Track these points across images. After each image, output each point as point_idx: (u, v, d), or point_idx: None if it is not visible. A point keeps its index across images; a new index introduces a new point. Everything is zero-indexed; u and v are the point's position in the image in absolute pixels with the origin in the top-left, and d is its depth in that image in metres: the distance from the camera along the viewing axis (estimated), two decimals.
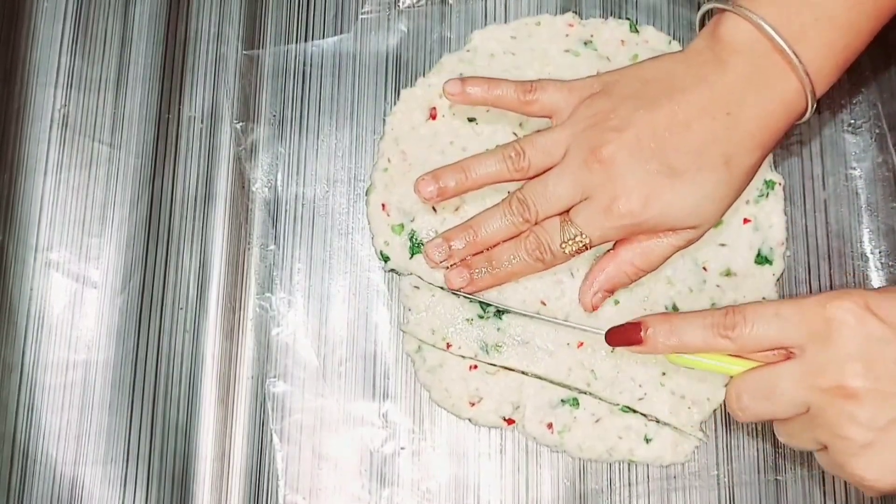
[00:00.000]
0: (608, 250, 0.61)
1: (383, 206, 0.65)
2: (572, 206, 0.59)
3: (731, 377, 0.55)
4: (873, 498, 0.61)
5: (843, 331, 0.50)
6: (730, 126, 0.56)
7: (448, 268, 0.62)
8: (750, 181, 0.59)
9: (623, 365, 0.62)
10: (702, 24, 0.60)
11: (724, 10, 0.58)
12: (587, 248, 0.59)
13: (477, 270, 0.61)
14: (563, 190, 0.59)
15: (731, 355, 0.54)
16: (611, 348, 0.62)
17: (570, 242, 0.59)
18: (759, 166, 0.59)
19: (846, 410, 0.49)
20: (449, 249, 0.61)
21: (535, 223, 0.60)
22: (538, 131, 0.61)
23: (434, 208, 0.64)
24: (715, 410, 0.63)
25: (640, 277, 0.61)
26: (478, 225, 0.61)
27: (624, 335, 0.56)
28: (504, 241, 0.61)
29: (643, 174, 0.57)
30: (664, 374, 0.62)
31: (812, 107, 0.57)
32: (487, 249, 0.62)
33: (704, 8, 0.60)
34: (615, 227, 0.58)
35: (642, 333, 0.55)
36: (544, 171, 0.60)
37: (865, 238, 0.66)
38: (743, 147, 0.57)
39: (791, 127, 0.58)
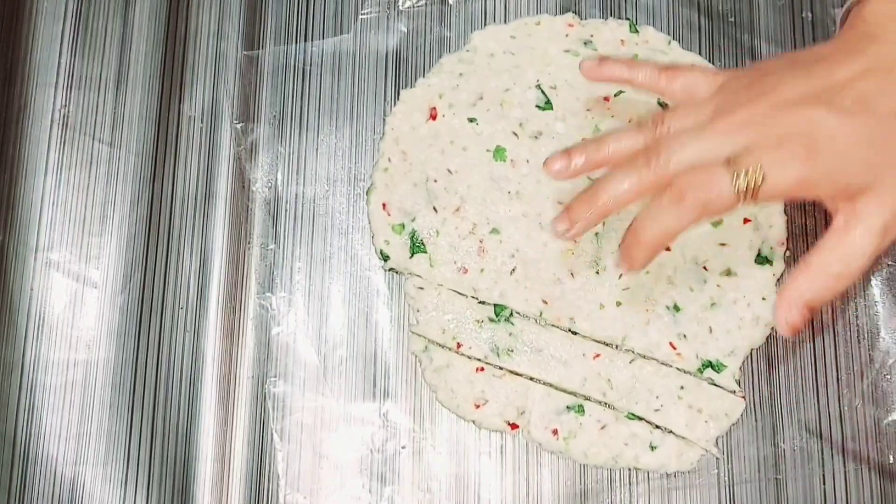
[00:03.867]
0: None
1: (384, 205, 0.65)
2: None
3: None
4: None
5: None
6: (893, 82, 0.52)
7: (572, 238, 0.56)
8: None
9: (641, 376, 0.63)
10: (842, 24, 0.58)
11: (861, 1, 0.55)
12: (756, 192, 0.50)
13: (628, 246, 0.54)
14: (713, 137, 0.52)
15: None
16: (629, 359, 0.63)
17: (742, 177, 0.50)
18: None
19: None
20: (571, 218, 0.54)
21: (664, 177, 0.52)
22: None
23: (435, 208, 0.64)
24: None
25: (844, 288, 0.53)
26: (599, 186, 0.54)
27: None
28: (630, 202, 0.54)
29: (814, 117, 0.51)
30: (683, 387, 0.62)
31: None
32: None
33: (847, 4, 0.57)
34: (788, 169, 0.50)
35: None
36: None
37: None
38: None
39: None
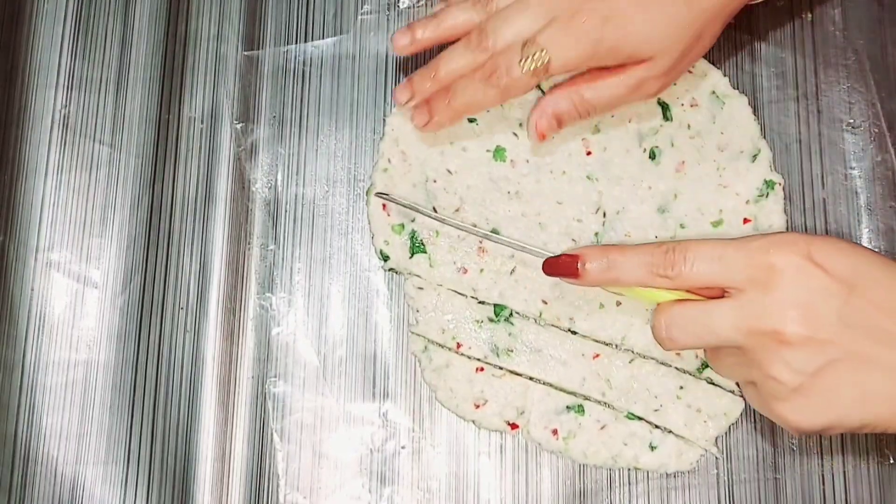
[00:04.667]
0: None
1: (384, 205, 0.65)
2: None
3: (659, 303, 0.55)
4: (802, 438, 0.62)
5: (784, 278, 0.51)
6: None
7: (413, 109, 0.63)
8: (710, 34, 0.59)
9: (640, 376, 0.63)
10: None
11: None
12: (546, 71, 0.58)
13: (435, 104, 0.61)
14: (527, 14, 0.59)
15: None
16: (628, 359, 0.63)
17: (528, 60, 0.58)
18: (720, 23, 0.59)
19: (780, 355, 0.50)
20: (412, 88, 0.62)
21: (495, 53, 0.59)
22: None
23: (434, 208, 0.64)
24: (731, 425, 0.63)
25: (589, 115, 0.61)
26: (438, 62, 0.61)
27: (560, 267, 0.57)
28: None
29: None
30: (682, 387, 0.62)
31: None
32: None
33: None
34: (575, 46, 0.58)
35: (578, 266, 0.56)
36: None
37: (865, 238, 0.66)
38: None
39: None
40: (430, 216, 0.63)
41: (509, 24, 0.59)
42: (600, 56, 0.58)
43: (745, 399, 0.57)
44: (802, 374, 0.50)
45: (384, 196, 0.64)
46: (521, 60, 0.58)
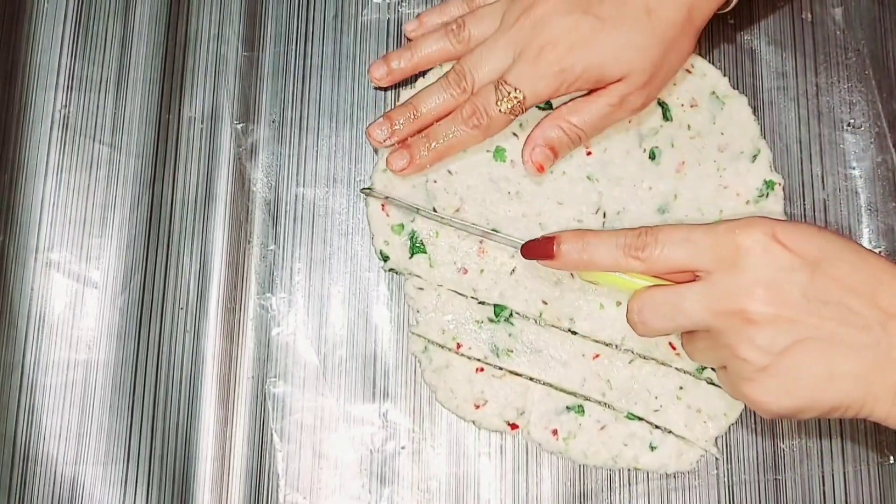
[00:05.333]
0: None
1: (383, 206, 0.65)
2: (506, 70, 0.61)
3: (635, 290, 0.56)
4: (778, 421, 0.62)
5: (750, 258, 0.51)
6: None
7: (391, 148, 0.64)
8: (683, 44, 0.60)
9: (640, 376, 0.62)
10: None
11: None
12: (522, 107, 0.60)
13: (416, 149, 0.63)
14: (498, 52, 0.61)
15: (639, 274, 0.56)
16: (628, 359, 0.63)
17: (504, 100, 0.60)
18: (692, 31, 0.60)
19: (746, 334, 0.51)
20: (391, 128, 0.63)
21: (473, 93, 0.62)
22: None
23: (434, 208, 0.64)
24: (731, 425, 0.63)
25: (580, 139, 0.62)
26: (418, 101, 0.63)
27: (538, 249, 0.58)
28: (445, 117, 0.63)
29: (569, 23, 0.59)
30: (681, 388, 0.62)
31: None
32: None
33: None
34: (544, 78, 0.59)
35: (555, 248, 0.57)
36: None
37: (865, 238, 0.66)
38: (666, 0, 0.59)
39: (718, 3, 0.60)
40: (409, 207, 0.64)
41: (483, 64, 0.61)
42: (572, 83, 0.60)
43: (721, 386, 0.57)
44: (769, 353, 0.50)
45: (369, 192, 0.64)
46: (497, 101, 0.60)
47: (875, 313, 0.51)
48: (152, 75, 0.68)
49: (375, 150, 0.66)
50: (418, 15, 0.67)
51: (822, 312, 0.50)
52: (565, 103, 0.62)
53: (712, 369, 0.61)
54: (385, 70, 0.65)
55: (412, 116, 0.63)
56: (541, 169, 0.62)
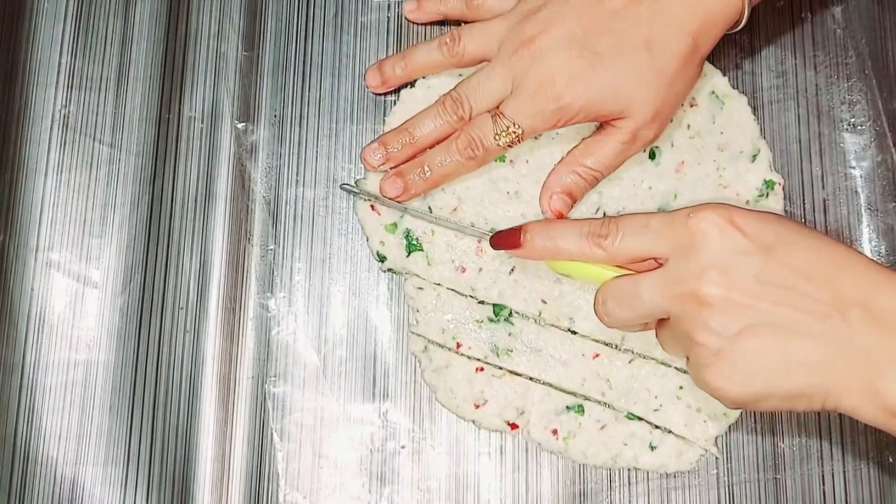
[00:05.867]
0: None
1: (372, 207, 0.65)
2: (503, 100, 0.60)
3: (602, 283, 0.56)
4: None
5: (705, 241, 0.51)
6: (654, 10, 0.58)
7: (384, 174, 0.64)
8: (688, 73, 0.60)
9: (640, 376, 0.63)
10: None
11: None
12: (519, 140, 0.60)
13: (410, 177, 0.63)
14: (495, 82, 0.61)
15: (605, 265, 0.56)
16: (628, 359, 0.63)
17: (503, 134, 0.60)
18: (696, 59, 0.59)
19: (700, 317, 0.50)
20: (386, 152, 0.63)
21: (470, 120, 0.61)
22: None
23: (430, 207, 0.64)
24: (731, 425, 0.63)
25: (595, 180, 0.62)
26: (413, 126, 0.63)
27: (505, 239, 0.59)
28: (441, 142, 0.63)
29: (567, 59, 0.58)
30: (681, 387, 0.62)
31: (747, 10, 0.59)
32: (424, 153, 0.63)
33: None
34: (542, 113, 0.59)
35: (521, 237, 0.58)
36: (479, 63, 0.63)
37: (865, 237, 0.66)
38: (667, 31, 0.58)
39: (726, 27, 0.59)
40: (387, 205, 0.64)
41: (480, 92, 0.61)
42: (571, 118, 0.60)
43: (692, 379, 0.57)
44: (723, 337, 0.50)
45: (349, 188, 0.65)
46: (495, 135, 0.60)
47: (834, 300, 0.49)
48: (152, 74, 0.68)
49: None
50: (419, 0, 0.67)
51: (776, 297, 0.50)
52: (577, 146, 0.62)
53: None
54: (379, 78, 0.66)
55: (407, 141, 0.63)
56: (560, 216, 0.62)
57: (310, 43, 0.69)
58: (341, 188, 0.66)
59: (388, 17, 0.69)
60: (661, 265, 0.53)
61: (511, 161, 0.65)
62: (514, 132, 0.60)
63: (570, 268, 0.58)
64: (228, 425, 0.64)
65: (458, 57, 0.63)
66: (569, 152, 0.62)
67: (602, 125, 0.61)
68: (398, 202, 0.63)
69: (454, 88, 0.62)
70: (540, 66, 0.59)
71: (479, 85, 0.61)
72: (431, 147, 0.63)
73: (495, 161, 0.65)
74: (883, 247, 0.65)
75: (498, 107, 0.60)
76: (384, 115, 0.67)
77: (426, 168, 0.62)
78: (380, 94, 0.67)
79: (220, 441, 0.63)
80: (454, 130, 0.62)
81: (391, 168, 0.64)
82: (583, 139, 0.62)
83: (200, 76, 0.68)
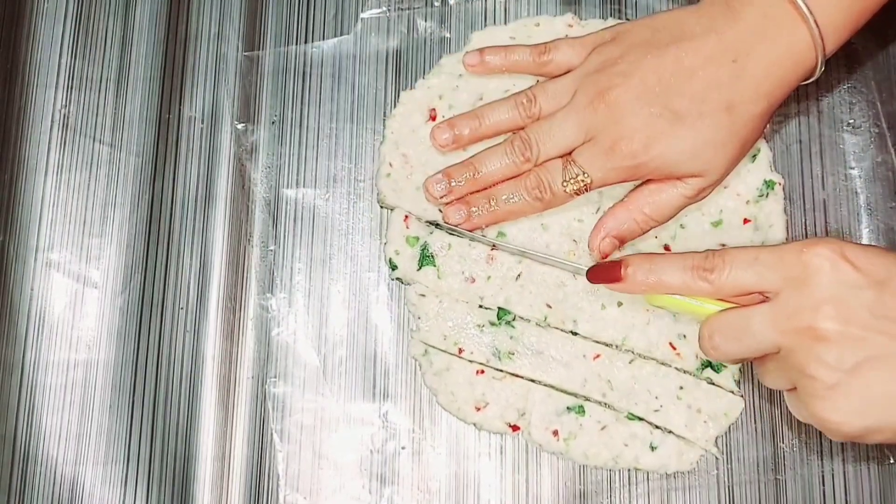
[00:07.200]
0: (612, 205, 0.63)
1: (405, 217, 0.65)
2: (574, 148, 0.60)
3: (706, 316, 0.56)
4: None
5: (818, 276, 0.51)
6: (734, 73, 0.57)
7: (446, 204, 0.63)
8: (758, 132, 0.60)
9: (640, 376, 0.62)
10: None
11: None
12: (587, 189, 0.60)
13: (475, 208, 0.62)
14: (567, 130, 0.60)
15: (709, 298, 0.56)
16: (628, 359, 0.63)
17: (572, 181, 0.60)
18: (767, 118, 0.59)
19: (815, 351, 0.50)
20: (449, 185, 0.62)
21: (537, 164, 0.61)
22: (551, 79, 0.63)
23: (440, 210, 0.64)
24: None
25: (650, 228, 0.62)
26: (479, 162, 0.62)
27: (604, 273, 0.58)
28: (505, 180, 0.62)
29: (646, 117, 0.58)
30: (682, 388, 0.62)
31: (821, 65, 0.58)
32: (487, 188, 0.63)
33: None
34: (616, 168, 0.59)
35: (622, 271, 0.57)
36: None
37: (865, 237, 0.66)
38: (746, 95, 0.58)
39: (799, 83, 0.59)
40: (465, 236, 0.64)
41: (551, 138, 0.60)
42: (643, 175, 0.60)
43: (790, 410, 0.56)
44: (838, 371, 0.50)
45: (388, 205, 0.65)
46: (563, 181, 0.60)
47: None
48: (152, 74, 0.68)
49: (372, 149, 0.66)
50: (480, 49, 0.65)
51: (891, 330, 0.50)
52: (638, 190, 0.61)
53: (787, 390, 0.61)
54: (451, 136, 0.64)
55: (471, 176, 0.62)
56: (605, 257, 0.62)
57: (310, 44, 0.69)
58: (382, 206, 0.66)
59: (388, 18, 0.69)
60: (767, 298, 0.53)
61: None
62: (583, 181, 0.59)
63: (667, 301, 0.57)
64: (228, 425, 0.63)
65: (534, 117, 0.62)
66: (629, 195, 0.62)
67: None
68: (460, 227, 0.63)
69: (525, 130, 0.61)
70: (617, 121, 0.58)
71: (551, 131, 0.60)
72: (494, 185, 0.62)
73: None
74: (882, 246, 0.65)
75: (570, 153, 0.60)
76: (384, 115, 0.67)
77: (493, 202, 0.62)
78: (447, 152, 0.65)
79: (220, 441, 0.63)
80: (520, 171, 0.61)
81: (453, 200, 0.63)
82: (645, 185, 0.61)
83: (200, 77, 0.68)
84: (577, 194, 0.60)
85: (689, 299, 0.56)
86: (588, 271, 0.59)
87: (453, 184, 0.62)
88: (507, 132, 0.64)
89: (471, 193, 0.63)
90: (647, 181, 0.61)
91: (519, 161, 0.61)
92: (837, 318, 0.50)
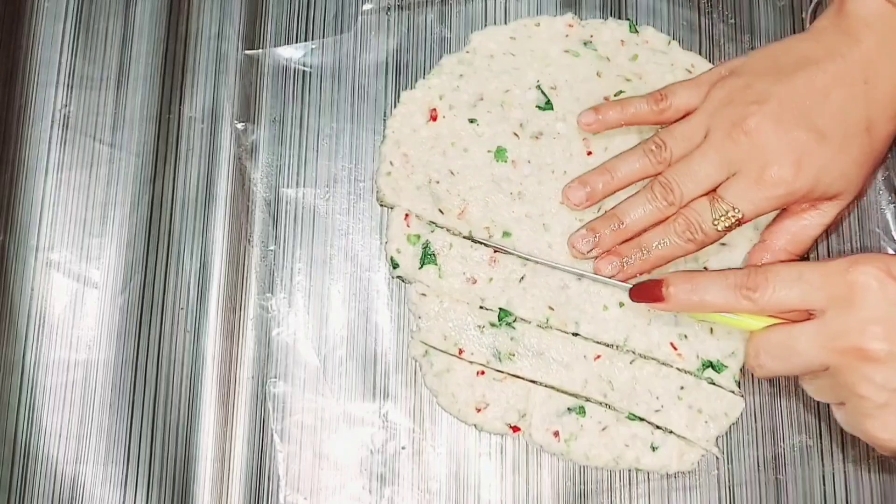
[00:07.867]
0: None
1: (406, 215, 0.65)
2: (719, 185, 0.59)
3: (751, 332, 0.56)
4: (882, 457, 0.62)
5: (865, 295, 0.51)
6: (868, 93, 0.57)
7: (595, 258, 0.62)
8: (887, 151, 0.60)
9: (641, 377, 0.63)
10: (812, 17, 0.62)
11: None
12: (739, 224, 0.59)
13: (626, 258, 0.61)
14: (708, 168, 0.59)
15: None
16: (629, 360, 0.63)
17: (723, 219, 0.58)
18: (893, 139, 0.59)
19: (864, 372, 0.51)
20: (595, 239, 0.61)
21: (681, 206, 0.60)
22: (677, 122, 0.62)
23: (441, 210, 0.64)
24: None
25: (791, 258, 0.62)
26: (623, 213, 0.61)
27: (647, 292, 0.57)
28: (650, 227, 0.61)
29: (792, 140, 0.57)
30: (682, 388, 0.62)
31: None
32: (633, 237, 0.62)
33: None
34: (768, 198, 0.58)
35: (664, 290, 0.56)
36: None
37: (865, 237, 0.66)
38: (884, 114, 0.58)
39: None
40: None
41: (692, 178, 0.59)
42: (794, 201, 0.59)
43: (839, 423, 0.56)
44: (888, 390, 0.50)
45: (390, 206, 0.65)
46: (714, 220, 0.58)
47: None
48: (152, 74, 0.68)
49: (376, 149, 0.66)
50: (595, 107, 0.64)
51: None
52: (777, 229, 0.61)
53: (827, 401, 0.60)
54: (584, 194, 0.62)
55: (616, 227, 0.61)
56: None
57: (310, 43, 0.69)
58: (382, 205, 0.66)
59: (388, 18, 0.69)
60: (812, 316, 0.53)
61: (513, 161, 0.65)
62: (734, 216, 0.58)
63: (710, 315, 0.57)
64: (228, 425, 0.63)
65: (665, 163, 0.61)
66: (768, 237, 0.62)
67: (791, 208, 0.61)
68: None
69: (663, 174, 0.60)
70: (762, 149, 0.57)
71: (691, 171, 0.59)
72: (641, 233, 0.61)
73: (497, 161, 0.65)
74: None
75: (715, 190, 0.59)
76: (384, 115, 0.67)
77: (644, 250, 0.60)
78: (581, 210, 0.64)
79: (220, 441, 0.63)
80: (664, 216, 0.60)
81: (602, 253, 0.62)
82: (780, 221, 0.61)
83: (201, 76, 0.68)
84: (729, 230, 0.59)
85: (733, 315, 0.56)
86: (631, 291, 0.59)
87: (599, 236, 0.61)
88: (639, 181, 0.62)
89: (619, 244, 0.62)
90: (783, 213, 0.61)
91: (662, 206, 0.60)
92: (887, 339, 0.50)
